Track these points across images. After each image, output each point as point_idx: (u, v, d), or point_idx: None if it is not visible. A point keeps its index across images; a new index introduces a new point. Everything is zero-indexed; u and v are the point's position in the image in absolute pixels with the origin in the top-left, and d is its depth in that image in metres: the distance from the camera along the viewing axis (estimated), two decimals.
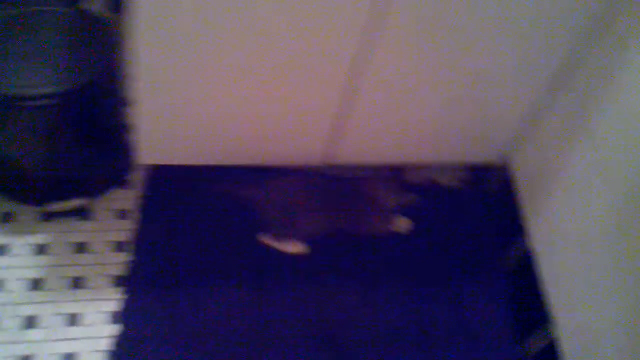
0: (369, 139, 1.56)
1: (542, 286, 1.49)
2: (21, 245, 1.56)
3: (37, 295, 1.49)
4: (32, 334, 1.44)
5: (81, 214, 1.63)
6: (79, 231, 1.60)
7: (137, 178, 1.70)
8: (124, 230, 1.62)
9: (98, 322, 1.48)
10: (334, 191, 1.63)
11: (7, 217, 1.59)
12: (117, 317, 1.48)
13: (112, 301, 1.51)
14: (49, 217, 1.61)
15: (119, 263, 1.57)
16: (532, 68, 1.41)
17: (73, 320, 1.47)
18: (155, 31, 1.19)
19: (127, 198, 1.67)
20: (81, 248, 1.58)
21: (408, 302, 1.61)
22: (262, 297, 1.56)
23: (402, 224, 1.70)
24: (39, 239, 1.57)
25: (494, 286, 1.67)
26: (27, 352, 1.42)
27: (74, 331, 1.46)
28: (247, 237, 1.64)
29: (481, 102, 1.50)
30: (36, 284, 1.51)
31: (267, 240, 1.62)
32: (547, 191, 1.50)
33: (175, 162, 1.54)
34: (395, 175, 1.71)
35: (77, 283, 1.53)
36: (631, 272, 1.18)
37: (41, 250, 1.56)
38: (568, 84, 1.44)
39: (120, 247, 1.59)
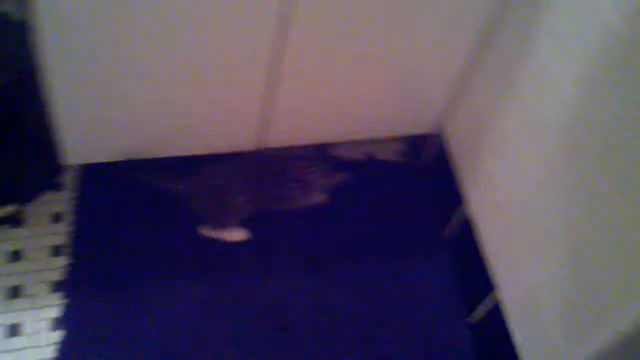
0: (299, 120, 1.55)
1: (483, 252, 1.51)
2: None
3: None
4: None
5: (13, 220, 1.58)
6: (13, 238, 1.56)
7: (69, 179, 1.65)
8: (60, 234, 1.58)
9: (39, 330, 1.44)
10: (267, 173, 1.61)
11: None
12: (58, 323, 1.45)
13: (53, 307, 1.47)
14: None
15: (57, 268, 1.53)
16: (456, 33, 1.41)
17: (13, 330, 1.43)
18: (65, 29, 1.16)
19: (60, 200, 1.63)
20: (16, 256, 1.53)
21: (353, 278, 1.62)
22: (208, 290, 1.54)
23: (324, 199, 1.68)
24: None
25: (437, 256, 1.69)
26: None
27: (16, 342, 1.42)
28: (187, 229, 1.61)
29: (409, 73, 1.50)
30: None
31: (207, 231, 1.60)
32: (481, 156, 1.51)
33: (104, 159, 1.50)
34: (329, 152, 1.71)
35: (15, 292, 1.48)
36: (566, 228, 1.20)
37: None
38: (490, 46, 1.45)
39: (56, 251, 1.55)
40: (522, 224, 1.36)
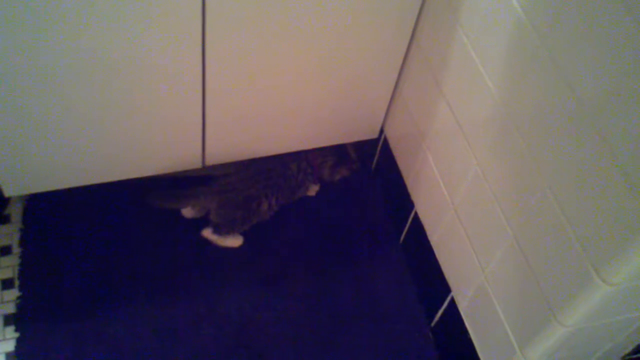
0: (239, 135, 1.54)
1: (434, 252, 1.52)
2: None
3: None
4: None
5: None
6: None
7: (15, 210, 1.63)
8: (9, 267, 1.55)
9: None
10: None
11: None
12: (12, 358, 1.43)
13: (5, 341, 1.45)
14: None
15: (7, 301, 1.51)
16: (390, 37, 1.42)
17: None
18: None
19: (7, 233, 1.60)
20: None
21: (311, 289, 1.61)
22: (164, 312, 1.53)
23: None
24: None
25: (394, 261, 1.69)
26: None
27: None
28: (137, 253, 1.60)
29: (351, 80, 1.50)
30: None
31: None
32: (421, 158, 1.52)
33: (48, 188, 1.48)
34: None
35: None
36: (505, 225, 1.21)
37: None
38: (417, 47, 1.46)
39: (6, 284, 1.53)
40: (465, 224, 1.36)
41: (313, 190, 1.77)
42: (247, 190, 1.61)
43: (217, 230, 1.63)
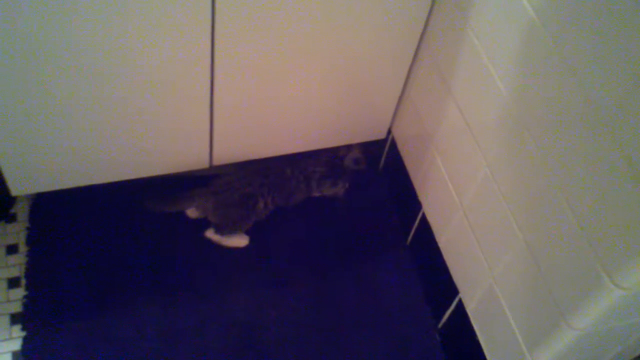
0: (248, 134, 1.54)
1: (442, 254, 1.51)
2: None
3: None
4: None
5: None
6: None
7: (22, 209, 1.63)
8: (16, 265, 1.55)
9: None
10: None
11: None
12: (18, 356, 1.42)
13: (12, 340, 1.45)
14: None
15: (14, 300, 1.51)
16: (399, 36, 1.42)
17: None
18: None
19: (14, 232, 1.60)
20: None
21: (317, 289, 1.61)
22: (170, 311, 1.53)
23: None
24: None
25: (402, 262, 1.68)
26: None
27: None
28: (143, 252, 1.60)
29: (359, 80, 1.50)
30: None
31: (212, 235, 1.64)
32: (429, 159, 1.52)
33: (55, 188, 1.48)
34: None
35: None
36: (514, 227, 1.20)
37: None
38: (426, 49, 1.46)
39: (13, 283, 1.53)
40: (473, 225, 1.36)
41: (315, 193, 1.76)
42: (242, 190, 1.60)
43: (219, 230, 1.63)
